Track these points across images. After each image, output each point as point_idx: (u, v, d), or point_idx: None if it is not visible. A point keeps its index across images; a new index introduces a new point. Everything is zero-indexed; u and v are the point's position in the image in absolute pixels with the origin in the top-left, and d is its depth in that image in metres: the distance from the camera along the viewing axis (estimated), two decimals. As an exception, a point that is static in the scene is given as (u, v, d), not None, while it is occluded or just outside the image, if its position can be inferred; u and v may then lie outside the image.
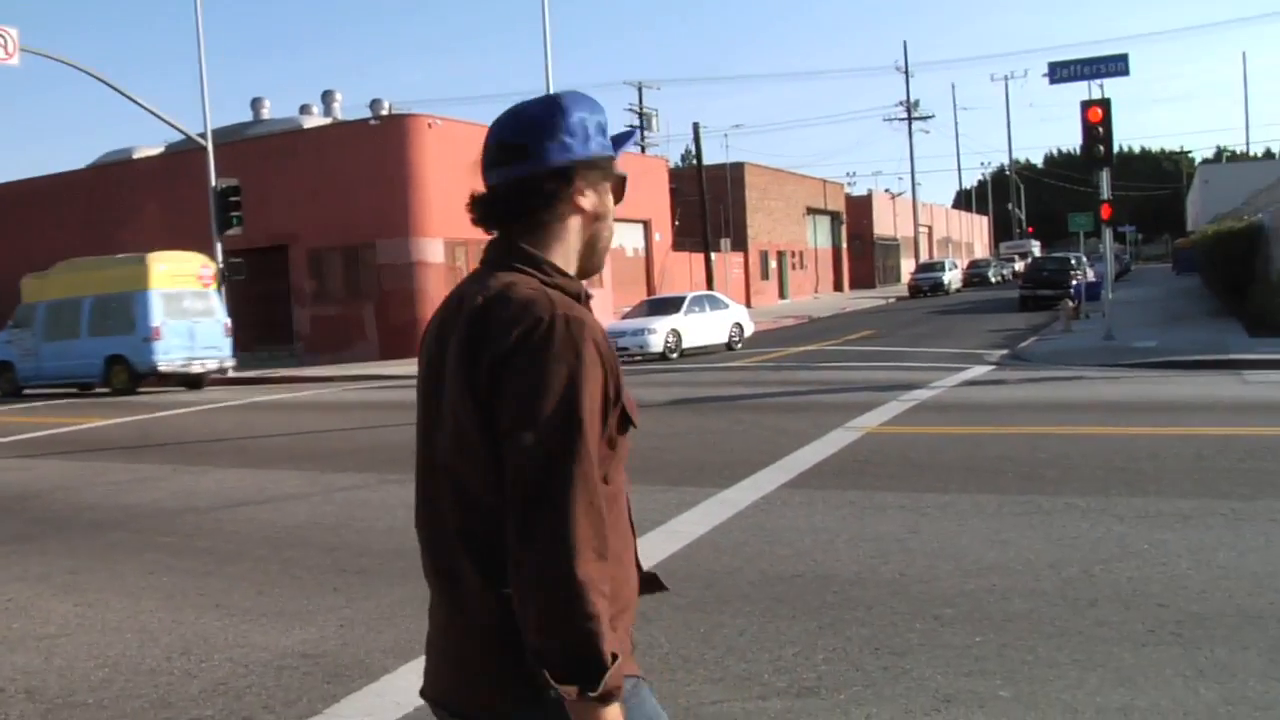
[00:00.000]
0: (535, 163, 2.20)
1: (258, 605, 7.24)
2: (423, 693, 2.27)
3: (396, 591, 7.29)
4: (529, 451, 1.99)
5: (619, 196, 2.36)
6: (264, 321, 35.24)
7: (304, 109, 43.83)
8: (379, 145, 33.70)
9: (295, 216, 34.26)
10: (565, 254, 2.28)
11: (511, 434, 2.01)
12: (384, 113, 39.36)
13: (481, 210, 2.28)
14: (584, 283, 2.32)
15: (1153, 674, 5.24)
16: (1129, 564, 7.09)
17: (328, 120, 41.50)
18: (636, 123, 58.10)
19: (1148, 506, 8.66)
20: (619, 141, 2.36)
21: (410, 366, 20.77)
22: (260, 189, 32.98)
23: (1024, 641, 5.73)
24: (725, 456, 11.80)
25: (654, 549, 7.76)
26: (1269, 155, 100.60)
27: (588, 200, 2.28)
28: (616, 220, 2.41)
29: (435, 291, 32.05)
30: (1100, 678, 5.23)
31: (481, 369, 2.05)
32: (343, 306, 34.30)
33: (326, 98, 44.78)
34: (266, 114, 44.10)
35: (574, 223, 2.28)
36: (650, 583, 2.40)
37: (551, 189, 2.22)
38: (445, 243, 33.20)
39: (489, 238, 2.32)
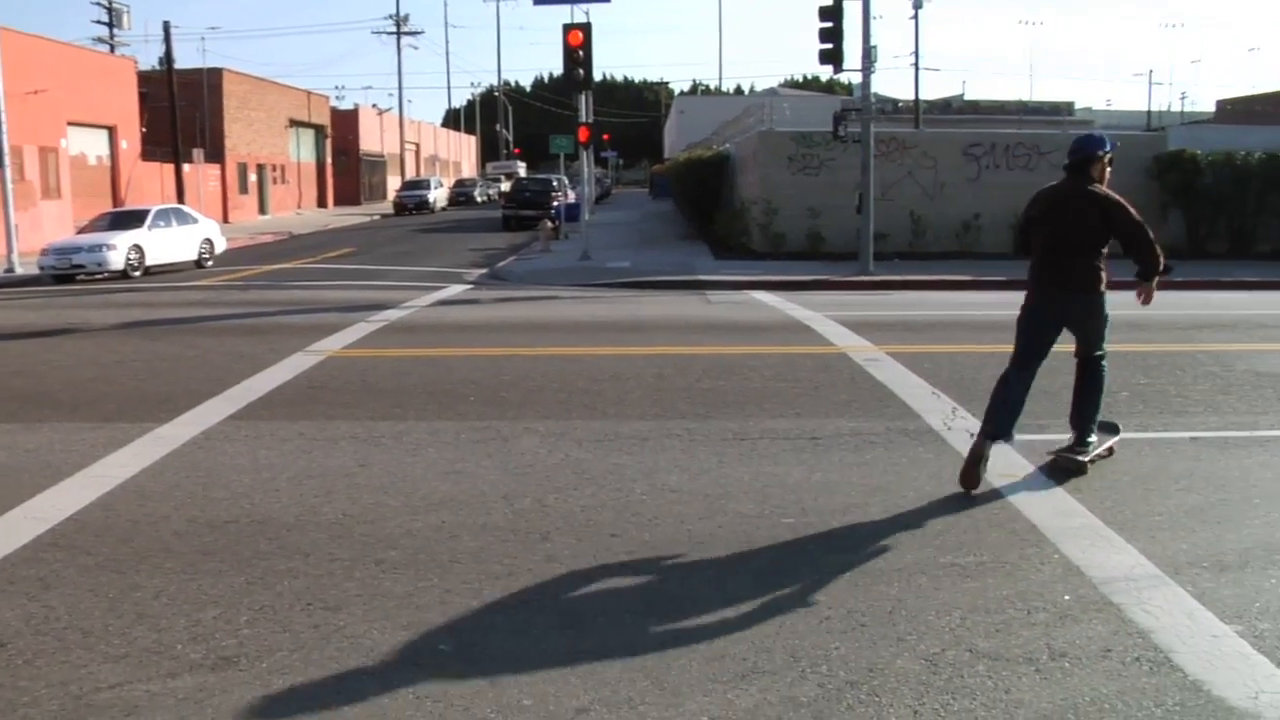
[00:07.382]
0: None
1: None
2: (1052, 284, 7.27)
3: None
4: (1136, 236, 7.15)
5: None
6: None
7: None
8: None
9: None
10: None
11: (1128, 234, 7.13)
12: None
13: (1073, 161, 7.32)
14: None
15: (600, 615, 4.99)
16: (584, 492, 6.91)
17: None
18: (104, 18, 52.63)
19: (606, 429, 8.58)
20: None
21: None
22: None
23: (469, 585, 5.32)
24: (171, 386, 10.63)
25: (67, 500, 6.78)
26: (739, 91, 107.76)
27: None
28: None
29: None
30: (548, 620, 4.92)
31: (1113, 218, 7.10)
32: None
33: None
34: None
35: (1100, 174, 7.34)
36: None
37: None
38: None
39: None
